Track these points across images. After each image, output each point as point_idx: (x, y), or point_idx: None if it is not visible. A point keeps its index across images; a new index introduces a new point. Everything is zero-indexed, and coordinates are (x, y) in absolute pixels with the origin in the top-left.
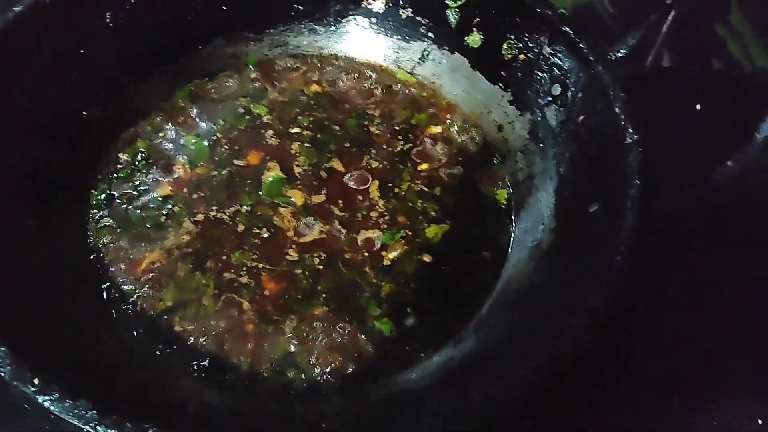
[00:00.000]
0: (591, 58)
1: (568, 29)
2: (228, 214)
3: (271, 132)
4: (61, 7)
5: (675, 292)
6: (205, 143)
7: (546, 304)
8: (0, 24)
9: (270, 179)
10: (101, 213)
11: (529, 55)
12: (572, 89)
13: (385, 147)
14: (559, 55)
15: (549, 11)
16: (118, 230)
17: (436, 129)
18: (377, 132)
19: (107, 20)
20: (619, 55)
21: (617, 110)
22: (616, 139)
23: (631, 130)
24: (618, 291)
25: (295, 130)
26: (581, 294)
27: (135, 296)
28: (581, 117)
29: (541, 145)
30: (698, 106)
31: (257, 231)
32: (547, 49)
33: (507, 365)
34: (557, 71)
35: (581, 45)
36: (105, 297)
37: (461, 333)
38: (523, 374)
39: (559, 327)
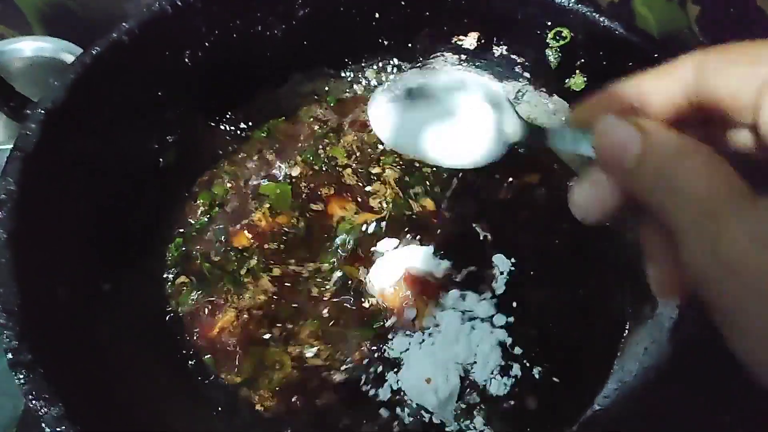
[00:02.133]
0: None
1: None
2: (308, 270)
3: (350, 172)
4: (142, 45)
5: None
6: (287, 188)
7: (681, 396)
8: (78, 66)
9: (348, 227)
10: (178, 271)
11: None
12: None
13: (477, 198)
14: None
15: (667, 58)
16: (197, 290)
17: (533, 178)
18: (467, 181)
19: (186, 59)
20: None
21: None
22: None
23: None
24: None
25: (376, 170)
26: (731, 391)
27: (212, 367)
28: None
29: None
30: None
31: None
32: None
33: None
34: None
35: None
36: (183, 367)
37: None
38: None
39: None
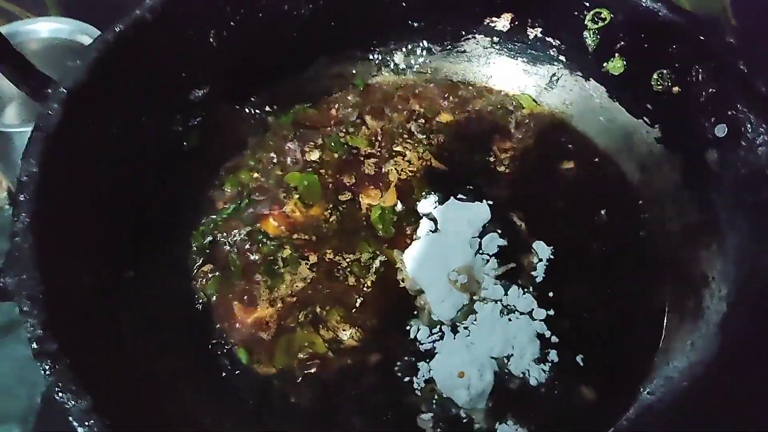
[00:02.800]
0: None
1: (740, 63)
2: (347, 261)
3: (370, 163)
4: (166, 24)
5: None
6: (315, 178)
7: (731, 394)
8: (100, 45)
9: (379, 212)
10: (204, 259)
11: (686, 89)
12: (746, 133)
13: (512, 186)
14: (727, 92)
15: (715, 41)
16: (225, 279)
17: (568, 164)
18: (501, 168)
19: (211, 39)
20: None
21: None
22: None
23: None
24: None
25: (402, 150)
26: None
27: (245, 358)
28: (757, 166)
29: (699, 192)
30: None
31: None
32: (711, 84)
33: None
34: (724, 110)
35: (756, 84)
36: (212, 358)
37: (620, 422)
38: None
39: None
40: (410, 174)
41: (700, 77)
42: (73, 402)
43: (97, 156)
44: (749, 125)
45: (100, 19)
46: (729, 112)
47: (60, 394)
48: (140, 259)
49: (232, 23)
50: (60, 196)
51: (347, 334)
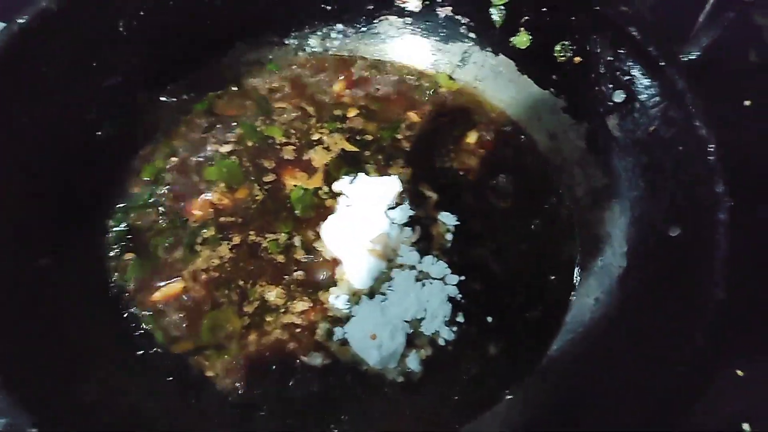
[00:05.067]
0: (662, 63)
1: (633, 30)
2: (268, 241)
3: (290, 149)
4: (71, 15)
5: None
6: (234, 164)
7: (628, 342)
8: (4, 37)
9: (301, 193)
10: (122, 244)
11: (587, 58)
12: (640, 97)
13: (421, 160)
14: (623, 59)
15: (610, 10)
16: (142, 263)
17: (475, 137)
18: (411, 145)
19: (120, 28)
20: (692, 57)
21: (697, 122)
22: (697, 153)
23: (714, 144)
24: (719, 328)
25: (316, 137)
26: (673, 332)
27: (161, 337)
28: (652, 127)
29: (603, 157)
30: (746, 103)
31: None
32: (608, 52)
33: (596, 420)
34: (621, 76)
35: (649, 49)
36: (129, 339)
37: (529, 376)
38: None
39: (650, 374)
40: (331, 159)
41: (598, 46)
42: None
43: (8, 144)
44: (643, 89)
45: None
46: (625, 78)
47: None
48: (55, 246)
49: (141, 12)
50: None
51: (270, 306)
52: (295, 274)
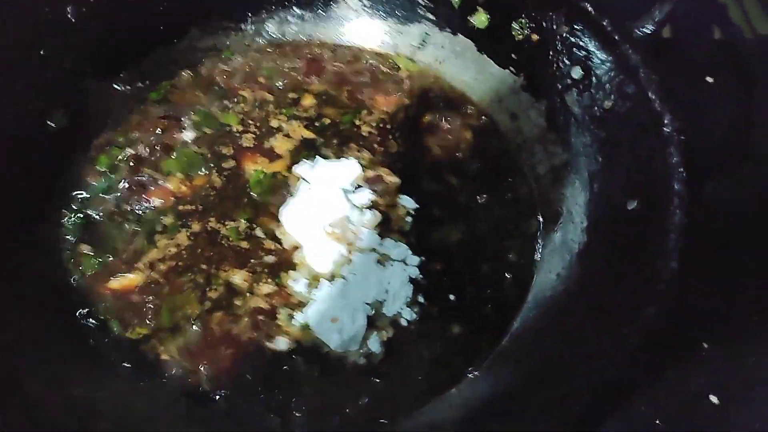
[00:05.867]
0: (616, 38)
1: (587, 5)
2: (227, 228)
3: (249, 137)
4: (16, 1)
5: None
6: (191, 153)
7: (588, 316)
8: None
9: (260, 177)
10: (77, 237)
11: (544, 36)
12: (596, 72)
13: (381, 143)
14: (579, 34)
15: None
16: (100, 254)
17: (436, 118)
18: (370, 128)
19: (68, 14)
20: (646, 31)
21: (651, 95)
22: (652, 126)
23: (668, 118)
24: (672, 301)
25: (275, 123)
26: (629, 305)
27: (116, 327)
28: (608, 103)
29: (562, 134)
30: (709, 79)
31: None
32: (564, 28)
33: (558, 394)
34: (577, 52)
35: (604, 23)
36: (82, 330)
37: (491, 354)
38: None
39: (608, 346)
40: (294, 146)
41: (554, 23)
42: None
43: None
44: (599, 64)
45: None
46: (581, 54)
47: None
48: (9, 238)
49: None
50: None
51: (235, 289)
52: (259, 258)
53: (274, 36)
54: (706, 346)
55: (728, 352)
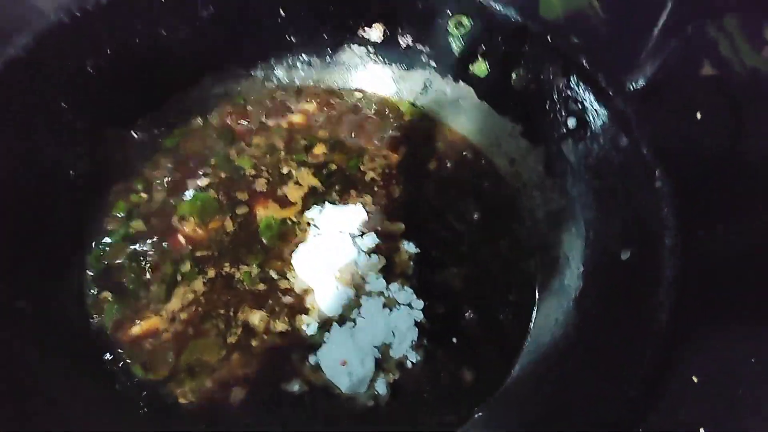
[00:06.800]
0: (611, 92)
1: (582, 60)
2: (241, 272)
3: (262, 182)
4: (39, 59)
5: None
6: (208, 197)
7: (586, 361)
8: None
9: (270, 223)
10: (100, 284)
11: (541, 86)
12: (591, 124)
13: (384, 188)
14: (575, 87)
15: (560, 41)
16: (121, 301)
17: (436, 163)
18: (374, 174)
19: (89, 69)
20: (638, 86)
21: (644, 149)
22: (645, 179)
23: (660, 172)
24: (664, 354)
25: (286, 170)
26: (625, 351)
27: (140, 372)
28: (603, 153)
29: (559, 180)
30: (698, 115)
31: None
32: (560, 80)
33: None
34: (573, 104)
35: (598, 77)
36: (107, 376)
37: (494, 396)
38: None
39: (606, 389)
40: (305, 193)
41: (551, 75)
42: None
43: None
44: (593, 116)
45: None
46: (577, 105)
47: None
48: (32, 288)
49: (108, 51)
50: None
51: (253, 329)
52: (277, 300)
53: (284, 81)
54: (696, 380)
55: (718, 385)
